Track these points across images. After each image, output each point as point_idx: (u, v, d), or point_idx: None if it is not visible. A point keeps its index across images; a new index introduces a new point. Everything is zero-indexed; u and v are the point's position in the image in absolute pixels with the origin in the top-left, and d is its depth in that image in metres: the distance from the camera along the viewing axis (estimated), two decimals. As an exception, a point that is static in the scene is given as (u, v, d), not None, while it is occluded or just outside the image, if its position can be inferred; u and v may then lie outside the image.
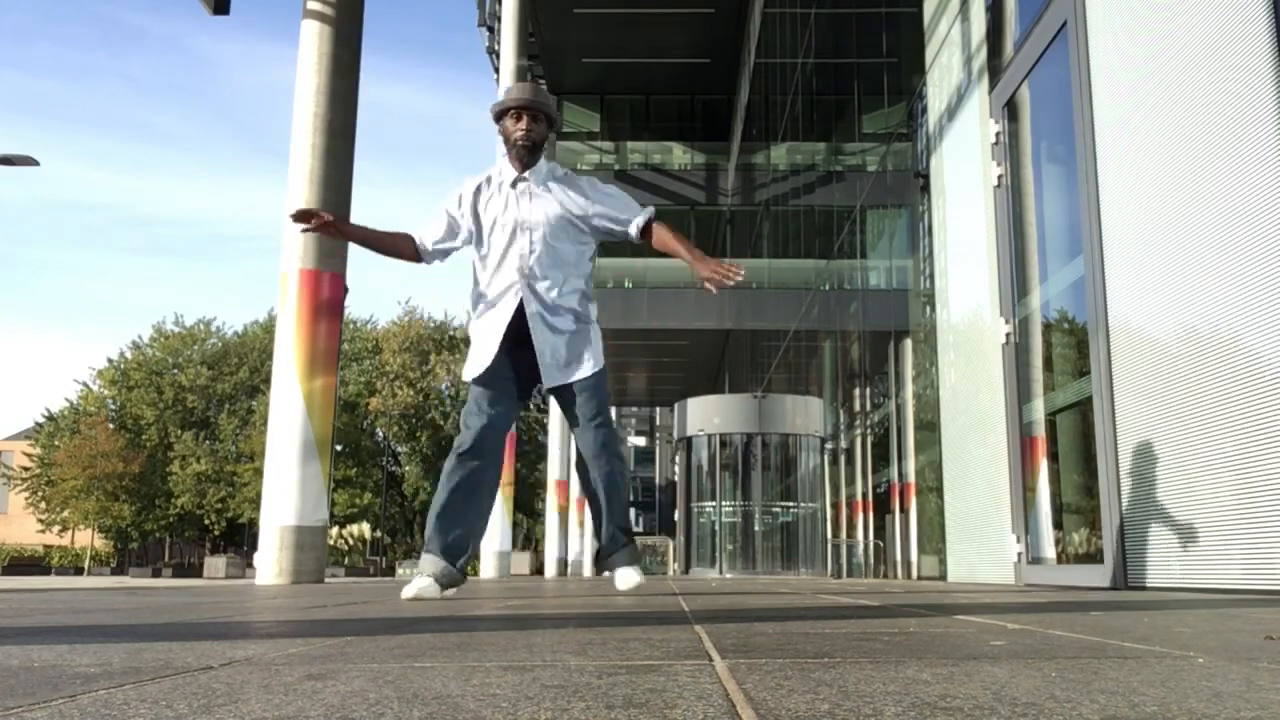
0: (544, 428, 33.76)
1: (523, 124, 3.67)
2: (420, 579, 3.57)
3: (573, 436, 3.83)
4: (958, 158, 6.92)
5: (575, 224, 3.72)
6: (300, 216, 3.66)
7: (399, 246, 3.80)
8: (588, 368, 3.73)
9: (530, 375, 3.75)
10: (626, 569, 3.81)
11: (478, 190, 3.75)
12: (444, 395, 46.13)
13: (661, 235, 3.73)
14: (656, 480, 59.50)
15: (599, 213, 3.74)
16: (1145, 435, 4.05)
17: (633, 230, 3.74)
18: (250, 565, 27.63)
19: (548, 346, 3.67)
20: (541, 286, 3.65)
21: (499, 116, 3.74)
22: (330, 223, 3.65)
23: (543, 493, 33.78)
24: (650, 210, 3.78)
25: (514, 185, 3.71)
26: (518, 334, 3.65)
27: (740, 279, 3.53)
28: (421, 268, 3.88)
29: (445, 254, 3.83)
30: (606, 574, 4.01)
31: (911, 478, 10.61)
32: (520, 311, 3.64)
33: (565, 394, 3.74)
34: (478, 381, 3.68)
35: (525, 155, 3.70)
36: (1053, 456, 5.43)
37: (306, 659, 1.34)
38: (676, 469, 24.79)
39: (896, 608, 2.64)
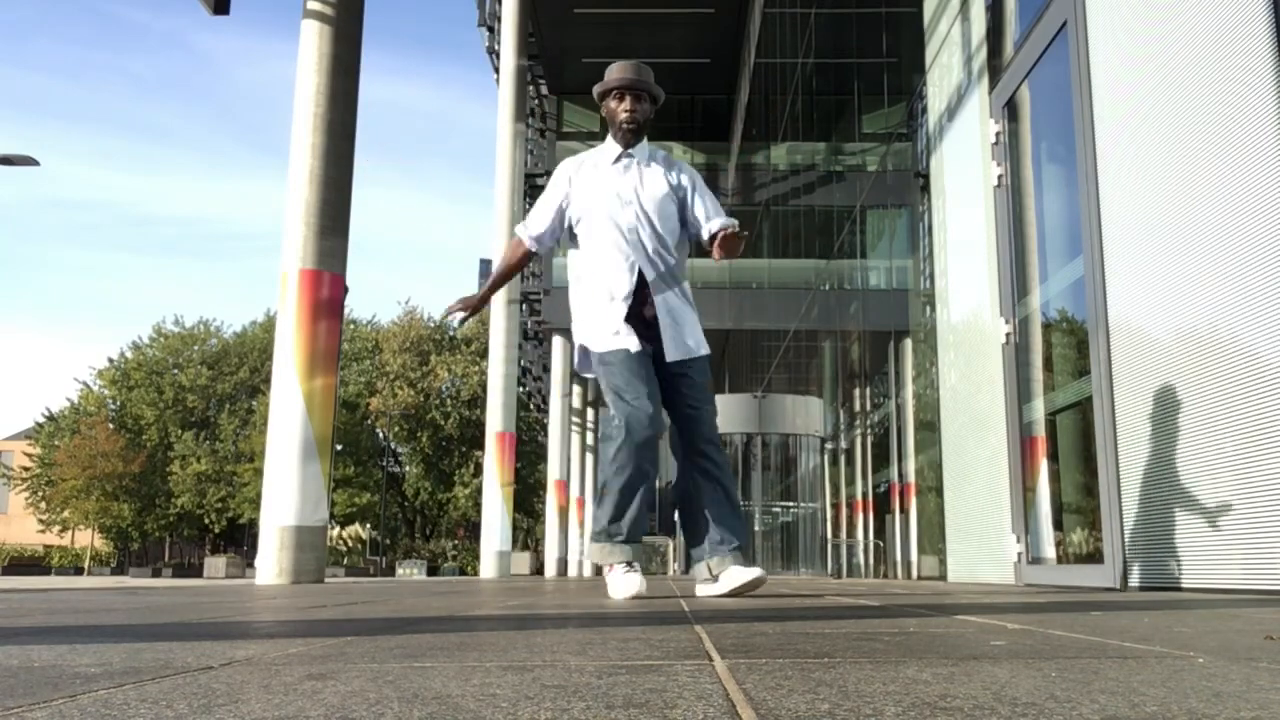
0: (544, 428, 33.71)
1: (626, 104, 3.66)
2: (631, 574, 3.45)
3: (676, 423, 3.65)
4: (958, 158, 6.92)
5: (675, 204, 3.70)
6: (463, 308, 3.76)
7: (517, 258, 3.86)
8: (705, 346, 3.68)
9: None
10: (740, 567, 3.52)
11: (578, 170, 3.75)
12: (444, 395, 46.12)
13: (730, 248, 3.55)
14: (657, 480, 59.39)
15: (695, 200, 3.71)
16: (1145, 435, 4.05)
17: (705, 233, 3.67)
18: (250, 565, 27.62)
19: (670, 316, 3.60)
20: (656, 257, 3.62)
21: (602, 97, 3.72)
22: (479, 302, 3.76)
23: (543, 493, 33.78)
24: (732, 221, 3.59)
25: (617, 160, 3.69)
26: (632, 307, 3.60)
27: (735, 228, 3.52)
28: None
29: (555, 238, 3.84)
30: (707, 577, 3.58)
31: (911, 478, 10.61)
32: (640, 283, 3.60)
33: (682, 370, 3.62)
34: (626, 355, 3.52)
35: (631, 136, 3.68)
36: (1053, 456, 5.43)
37: (306, 659, 1.34)
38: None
39: (896, 608, 2.64)
